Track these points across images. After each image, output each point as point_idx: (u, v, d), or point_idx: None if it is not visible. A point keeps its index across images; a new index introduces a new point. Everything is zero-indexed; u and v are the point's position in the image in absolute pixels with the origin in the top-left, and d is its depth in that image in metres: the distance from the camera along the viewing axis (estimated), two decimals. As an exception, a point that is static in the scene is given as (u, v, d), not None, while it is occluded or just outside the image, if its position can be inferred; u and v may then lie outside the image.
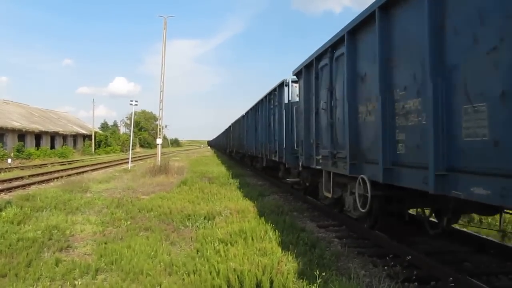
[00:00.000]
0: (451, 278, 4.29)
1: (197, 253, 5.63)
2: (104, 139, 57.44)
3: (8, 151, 32.19)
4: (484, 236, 6.29)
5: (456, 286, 4.21)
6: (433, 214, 5.71)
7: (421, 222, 5.82)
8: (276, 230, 6.63)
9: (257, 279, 4.32)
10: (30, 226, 7.38)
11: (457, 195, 3.41)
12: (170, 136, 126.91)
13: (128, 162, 25.36)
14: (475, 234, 6.48)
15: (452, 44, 3.53)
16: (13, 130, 35.51)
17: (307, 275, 4.46)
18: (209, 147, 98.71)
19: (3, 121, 35.13)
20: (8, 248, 5.86)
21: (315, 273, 4.29)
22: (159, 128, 24.82)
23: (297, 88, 10.03)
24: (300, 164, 8.96)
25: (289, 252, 5.35)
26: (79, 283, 4.57)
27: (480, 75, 3.18)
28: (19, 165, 26.02)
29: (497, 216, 5.88)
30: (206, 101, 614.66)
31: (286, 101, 11.22)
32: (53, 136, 44.01)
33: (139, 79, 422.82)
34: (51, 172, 20.66)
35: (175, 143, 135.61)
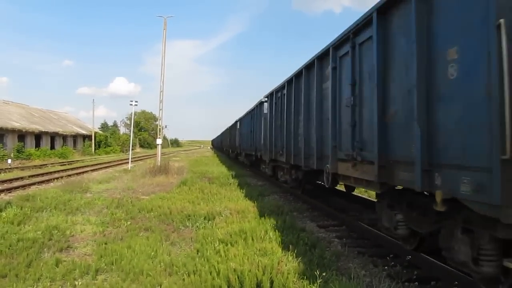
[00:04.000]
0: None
1: (197, 253, 5.63)
2: (104, 140, 57.40)
3: (8, 151, 32.13)
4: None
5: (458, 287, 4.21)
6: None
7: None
8: (276, 230, 6.63)
9: (257, 279, 4.32)
10: (30, 226, 7.38)
11: None
12: (170, 136, 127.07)
13: (128, 162, 25.36)
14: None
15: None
16: (13, 131, 35.49)
17: (307, 275, 4.46)
18: (211, 148, 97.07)
19: (3, 122, 35.11)
20: (8, 248, 5.86)
21: (315, 273, 4.29)
22: (159, 128, 24.80)
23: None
24: None
25: (289, 252, 5.35)
26: (79, 283, 4.57)
27: None
28: (19, 165, 25.97)
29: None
30: (206, 101, 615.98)
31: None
32: (53, 136, 43.97)
33: (139, 80, 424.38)
34: (51, 173, 20.65)
35: (175, 143, 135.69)
